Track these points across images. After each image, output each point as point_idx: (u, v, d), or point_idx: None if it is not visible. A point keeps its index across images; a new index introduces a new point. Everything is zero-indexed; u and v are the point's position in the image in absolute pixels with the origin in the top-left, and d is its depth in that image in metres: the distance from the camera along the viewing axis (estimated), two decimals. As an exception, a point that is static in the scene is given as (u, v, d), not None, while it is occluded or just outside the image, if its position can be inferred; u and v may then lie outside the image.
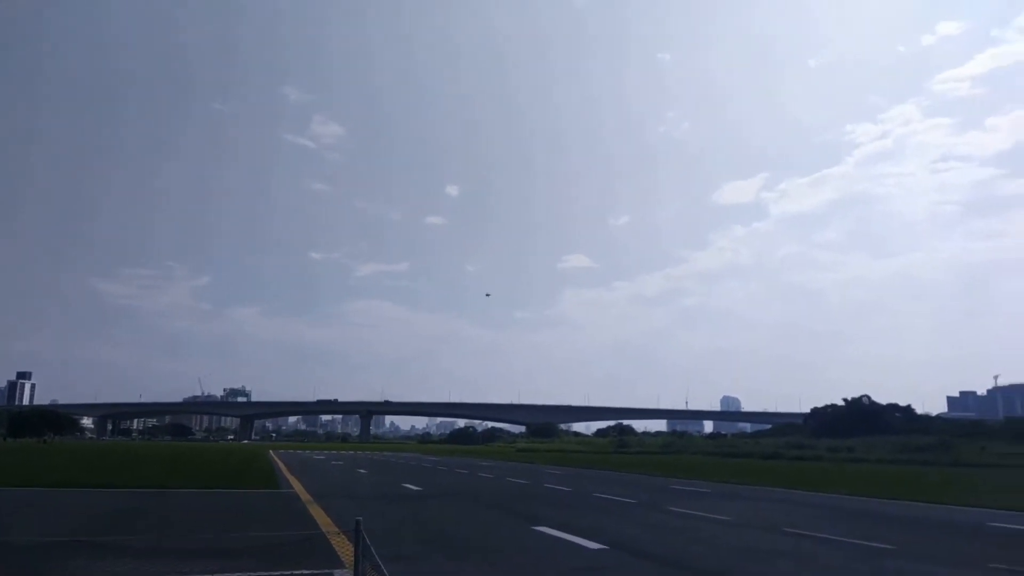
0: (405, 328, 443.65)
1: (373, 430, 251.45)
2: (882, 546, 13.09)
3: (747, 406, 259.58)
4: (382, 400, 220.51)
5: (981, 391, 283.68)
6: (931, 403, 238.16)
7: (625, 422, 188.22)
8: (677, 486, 29.88)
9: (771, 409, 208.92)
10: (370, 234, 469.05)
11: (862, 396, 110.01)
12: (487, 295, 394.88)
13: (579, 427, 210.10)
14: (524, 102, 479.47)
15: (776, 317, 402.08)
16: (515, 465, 51.12)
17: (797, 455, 70.33)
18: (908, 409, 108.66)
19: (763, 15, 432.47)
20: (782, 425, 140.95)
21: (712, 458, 71.51)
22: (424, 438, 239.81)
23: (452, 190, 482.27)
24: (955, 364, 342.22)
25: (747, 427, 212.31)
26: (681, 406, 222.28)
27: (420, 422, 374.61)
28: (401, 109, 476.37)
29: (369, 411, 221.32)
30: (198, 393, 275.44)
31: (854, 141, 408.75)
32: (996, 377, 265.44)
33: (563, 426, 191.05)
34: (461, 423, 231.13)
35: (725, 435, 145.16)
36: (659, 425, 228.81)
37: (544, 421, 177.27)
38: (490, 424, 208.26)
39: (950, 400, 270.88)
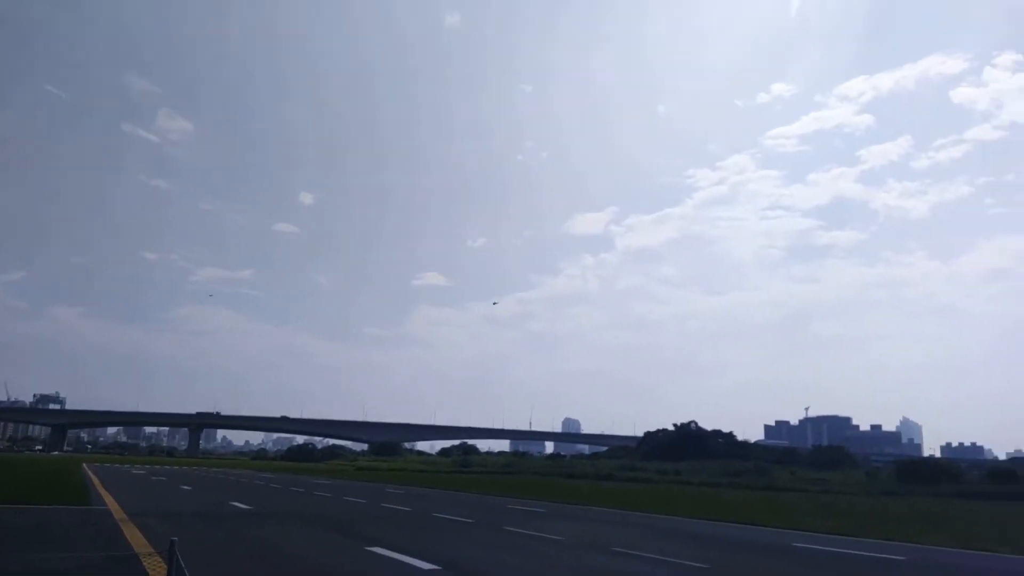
0: (244, 338, 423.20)
1: (203, 445, 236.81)
2: (699, 565, 13.88)
3: (587, 428, 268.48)
4: (214, 412, 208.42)
5: (794, 421, 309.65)
6: (750, 430, 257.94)
7: (469, 441, 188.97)
8: (515, 506, 30.29)
9: (608, 432, 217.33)
10: (213, 237, 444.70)
11: (690, 422, 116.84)
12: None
13: (423, 446, 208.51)
14: (388, 117, 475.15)
15: (617, 344, 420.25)
16: (355, 484, 49.88)
17: (630, 476, 73.40)
18: (730, 436, 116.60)
19: (620, 60, 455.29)
20: (618, 447, 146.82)
21: (551, 478, 73.17)
22: (259, 454, 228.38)
23: (306, 198, 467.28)
24: (772, 395, 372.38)
25: (586, 448, 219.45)
26: (525, 426, 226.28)
27: (255, 437, 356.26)
28: (258, 111, 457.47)
29: (199, 424, 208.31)
30: (3, 398, 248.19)
31: (694, 185, 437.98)
32: (807, 408, 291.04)
33: (407, 445, 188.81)
34: (300, 440, 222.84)
35: (564, 456, 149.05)
36: (502, 445, 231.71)
37: (388, 439, 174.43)
38: (331, 441, 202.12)
39: (767, 428, 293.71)
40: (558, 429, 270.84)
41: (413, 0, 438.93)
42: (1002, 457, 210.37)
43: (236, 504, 26.42)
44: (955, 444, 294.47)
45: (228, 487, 40.28)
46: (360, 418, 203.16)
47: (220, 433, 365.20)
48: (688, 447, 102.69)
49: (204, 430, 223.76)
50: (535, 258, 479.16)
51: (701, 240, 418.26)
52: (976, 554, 17.65)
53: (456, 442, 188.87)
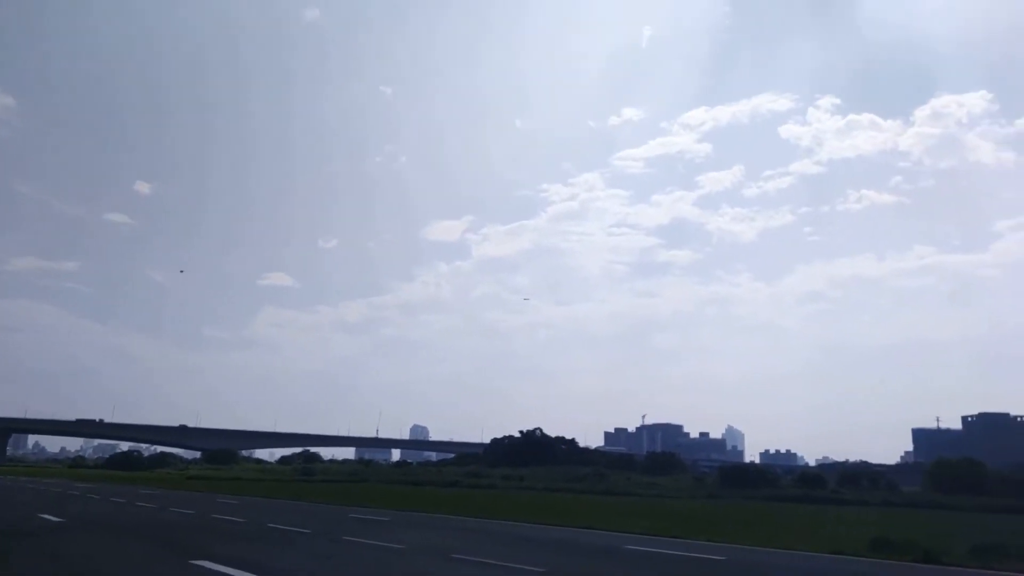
0: (64, 336, 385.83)
1: (11, 451, 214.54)
2: (536, 569, 14.20)
3: (435, 435, 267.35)
4: (24, 416, 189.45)
5: (632, 428, 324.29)
6: (592, 437, 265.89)
7: (312, 449, 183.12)
8: (357, 515, 29.66)
9: (457, 438, 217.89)
10: (33, 224, 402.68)
11: (535, 429, 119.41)
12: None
13: (263, 454, 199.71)
14: (234, 109, 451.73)
15: (468, 351, 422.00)
16: (184, 494, 46.93)
17: (475, 483, 73.94)
18: (572, 442, 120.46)
19: (483, 70, 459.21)
20: (465, 454, 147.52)
21: (396, 486, 72.33)
22: (76, 462, 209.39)
23: (143, 187, 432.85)
24: (613, 403, 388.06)
25: (433, 456, 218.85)
26: (371, 434, 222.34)
27: (73, 443, 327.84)
28: (92, 93, 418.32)
29: (7, 428, 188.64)
30: None
31: (548, 199, 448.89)
32: (643, 416, 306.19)
33: (245, 452, 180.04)
34: (124, 446, 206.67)
35: (411, 463, 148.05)
36: (348, 453, 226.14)
37: (223, 447, 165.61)
38: (160, 449, 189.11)
39: (607, 435, 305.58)
40: (406, 436, 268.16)
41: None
42: (812, 463, 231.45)
43: (45, 516, 24.10)
44: (772, 451, 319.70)
45: (37, 498, 36.82)
46: (193, 424, 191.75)
47: (32, 439, 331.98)
48: (533, 453, 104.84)
49: (12, 435, 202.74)
50: (389, 263, 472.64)
51: (553, 252, 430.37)
52: (784, 552, 19.27)
53: (298, 450, 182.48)
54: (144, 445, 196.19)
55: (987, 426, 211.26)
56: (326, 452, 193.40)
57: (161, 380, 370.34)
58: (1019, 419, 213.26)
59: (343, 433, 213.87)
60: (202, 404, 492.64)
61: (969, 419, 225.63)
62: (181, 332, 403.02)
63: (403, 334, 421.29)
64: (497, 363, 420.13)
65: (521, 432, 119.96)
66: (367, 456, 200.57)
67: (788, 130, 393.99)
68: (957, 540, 20.67)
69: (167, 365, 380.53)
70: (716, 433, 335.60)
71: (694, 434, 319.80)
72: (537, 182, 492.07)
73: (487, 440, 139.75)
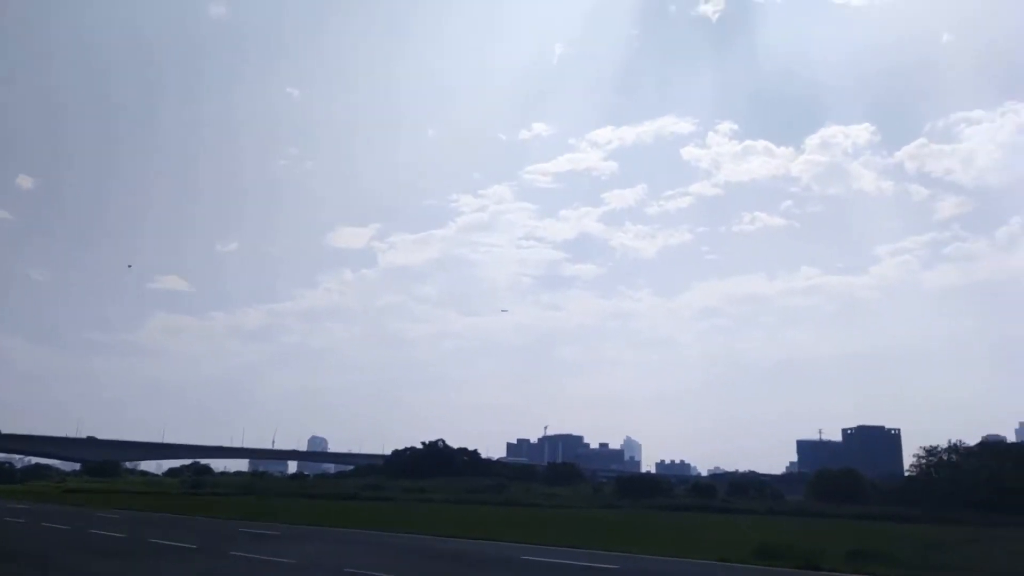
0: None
1: None
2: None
3: (334, 446, 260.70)
4: None
5: (534, 439, 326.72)
6: (494, 448, 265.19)
7: (203, 461, 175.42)
8: (248, 529, 28.57)
9: (357, 450, 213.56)
10: None
11: (438, 440, 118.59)
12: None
13: (149, 466, 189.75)
14: (133, 106, 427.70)
15: (371, 361, 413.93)
16: (60, 508, 43.96)
17: (374, 495, 72.57)
18: (475, 453, 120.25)
19: (396, 78, 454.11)
20: (365, 466, 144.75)
21: (291, 499, 70.17)
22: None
23: (26, 182, 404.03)
24: (516, 414, 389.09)
25: (331, 468, 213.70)
26: (267, 445, 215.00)
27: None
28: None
29: None
30: None
31: (458, 209, 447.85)
32: (546, 427, 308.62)
33: (130, 464, 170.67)
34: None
35: (308, 476, 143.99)
36: (241, 464, 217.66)
37: (106, 458, 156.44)
38: (34, 460, 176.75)
39: (509, 446, 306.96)
40: (304, 447, 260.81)
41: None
42: (704, 473, 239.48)
43: None
44: (667, 461, 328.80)
45: None
46: (72, 434, 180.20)
47: None
48: (435, 465, 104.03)
49: None
50: (291, 269, 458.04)
51: (462, 263, 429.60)
52: (674, 560, 19.82)
53: (187, 462, 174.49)
54: (17, 456, 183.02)
55: (864, 438, 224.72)
56: (218, 464, 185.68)
57: (40, 386, 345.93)
58: (892, 432, 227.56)
59: (237, 444, 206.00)
60: (84, 413, 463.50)
61: (848, 431, 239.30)
62: (60, 335, 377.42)
63: (304, 342, 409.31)
64: (401, 373, 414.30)
65: (423, 443, 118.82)
66: (262, 468, 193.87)
67: (689, 152, 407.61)
68: (834, 546, 21.82)
69: (47, 371, 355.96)
70: (615, 444, 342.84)
71: (594, 445, 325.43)
72: (447, 192, 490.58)
73: (388, 452, 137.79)
